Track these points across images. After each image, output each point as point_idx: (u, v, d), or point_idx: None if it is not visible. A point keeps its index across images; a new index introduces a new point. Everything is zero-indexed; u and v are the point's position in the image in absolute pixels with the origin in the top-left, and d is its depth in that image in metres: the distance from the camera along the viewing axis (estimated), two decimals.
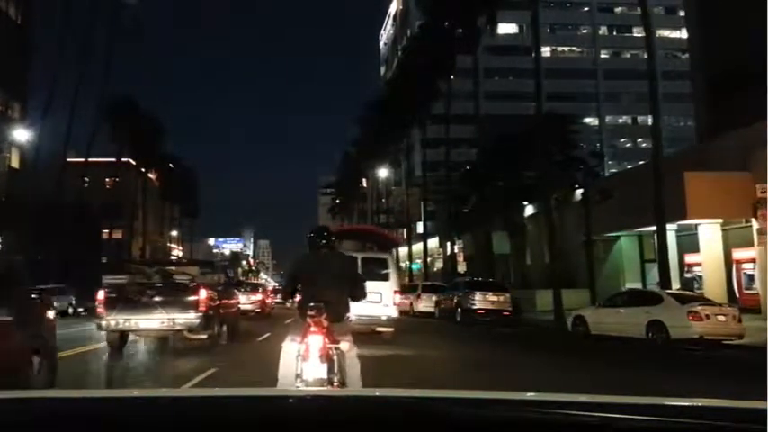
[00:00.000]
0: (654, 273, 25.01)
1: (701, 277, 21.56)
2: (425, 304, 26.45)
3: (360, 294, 5.49)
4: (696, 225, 21.12)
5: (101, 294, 11.33)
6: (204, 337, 11.81)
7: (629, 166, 43.07)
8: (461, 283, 22.23)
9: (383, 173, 44.53)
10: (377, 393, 1.69)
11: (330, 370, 4.87)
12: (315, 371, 4.79)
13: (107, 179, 67.11)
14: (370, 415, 1.30)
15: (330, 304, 5.03)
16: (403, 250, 52.48)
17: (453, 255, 34.22)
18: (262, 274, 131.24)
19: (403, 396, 1.53)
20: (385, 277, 13.97)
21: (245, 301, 22.84)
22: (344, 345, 5.03)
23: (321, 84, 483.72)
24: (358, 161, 59.41)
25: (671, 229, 23.39)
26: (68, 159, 61.45)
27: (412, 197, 41.75)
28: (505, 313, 20.77)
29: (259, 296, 26.25)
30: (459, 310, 21.08)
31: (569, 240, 29.61)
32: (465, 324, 20.39)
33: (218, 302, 12.58)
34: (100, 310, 11.24)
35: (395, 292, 14.30)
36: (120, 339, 11.77)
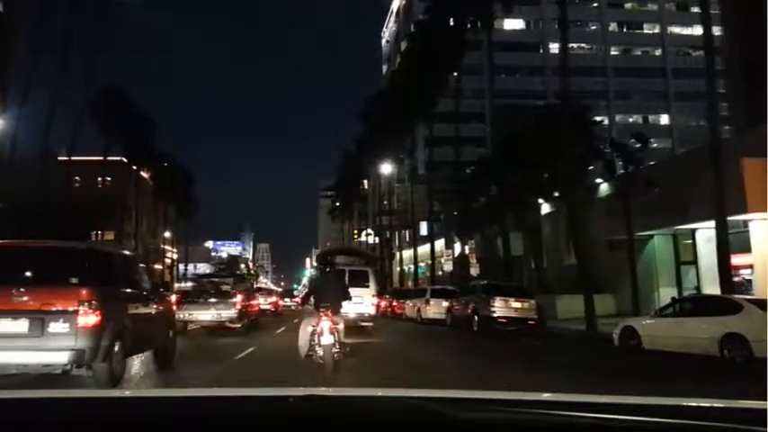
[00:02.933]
0: (691, 276, 22.40)
1: (750, 281, 18.92)
2: (435, 311, 23.84)
3: (347, 297, 9.75)
4: (746, 221, 18.49)
5: (173, 297, 14.07)
6: (239, 326, 16.78)
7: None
8: (478, 288, 19.54)
9: (386, 169, 41.53)
10: (378, 394, 1.72)
11: (334, 339, 8.69)
12: (326, 339, 8.58)
13: (99, 178, 64.96)
14: (370, 415, 1.32)
15: (333, 304, 9.15)
16: (407, 253, 49.90)
17: (464, 256, 31.55)
18: (261, 278, 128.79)
19: (403, 396, 1.55)
20: (366, 285, 17.93)
21: (264, 302, 28.68)
22: (341, 326, 9.13)
23: (322, 87, 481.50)
24: (359, 159, 56.83)
25: (712, 226, 20.78)
26: (59, 158, 59.29)
27: (417, 194, 39.03)
28: (531, 322, 18.07)
29: (274, 298, 33.89)
30: (475, 317, 18.41)
31: (592, 241, 27.02)
32: (484, 334, 17.73)
33: (246, 303, 17.82)
34: (174, 307, 14.06)
35: (373, 295, 18.50)
36: (183, 327, 15.52)
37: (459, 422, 1.28)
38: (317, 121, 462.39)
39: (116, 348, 7.49)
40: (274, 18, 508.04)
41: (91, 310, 7.04)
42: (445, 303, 23.59)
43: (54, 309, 7.02)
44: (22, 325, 6.98)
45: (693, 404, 1.41)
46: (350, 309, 14.44)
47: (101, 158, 53.96)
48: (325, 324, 8.67)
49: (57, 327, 6.97)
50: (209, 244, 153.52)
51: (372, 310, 18.04)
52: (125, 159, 54.49)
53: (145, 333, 8.57)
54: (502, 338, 16.86)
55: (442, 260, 34.21)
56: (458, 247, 38.80)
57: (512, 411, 1.35)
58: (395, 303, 31.24)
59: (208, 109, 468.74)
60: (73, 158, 58.84)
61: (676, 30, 77.06)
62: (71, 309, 7.01)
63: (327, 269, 10.47)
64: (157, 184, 62.92)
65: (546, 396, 1.56)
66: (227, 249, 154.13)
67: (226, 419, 1.30)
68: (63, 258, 7.86)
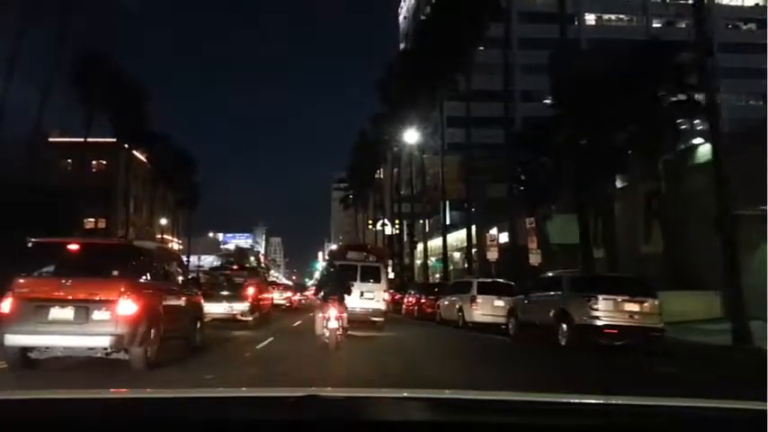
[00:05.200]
0: None
1: None
2: (486, 312, 17.65)
3: (348, 291, 12.03)
4: None
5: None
6: (250, 319, 16.77)
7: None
8: (565, 281, 13.00)
9: (411, 137, 34.37)
10: (378, 394, 1.72)
11: (339, 324, 10.81)
12: (332, 324, 10.62)
13: (93, 162, 60.16)
14: (370, 415, 1.32)
15: (338, 296, 11.33)
16: (432, 243, 43.83)
17: (519, 241, 25.14)
18: (273, 272, 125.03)
19: (403, 397, 1.55)
20: (377, 280, 17.96)
21: (279, 297, 28.43)
22: (344, 314, 11.28)
23: (334, 80, 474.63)
24: (375, 141, 51.12)
25: None
26: (51, 140, 54.08)
27: (449, 167, 32.25)
28: (655, 333, 11.67)
29: (288, 293, 33.46)
30: (563, 326, 12.09)
31: (687, 221, 20.74)
32: (579, 351, 11.42)
33: (259, 297, 18.00)
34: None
35: (384, 291, 18.19)
36: None
37: (459, 423, 1.26)
38: (330, 115, 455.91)
39: (151, 335, 8.14)
40: (279, 17, 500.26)
41: (129, 300, 7.82)
42: (499, 302, 17.41)
43: (97, 298, 7.83)
44: (68, 312, 7.78)
45: (694, 405, 1.39)
46: (361, 304, 16.27)
47: (88, 140, 48.89)
48: (332, 312, 10.86)
49: (99, 314, 7.76)
50: (219, 236, 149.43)
51: (383, 306, 17.94)
52: (114, 139, 48.80)
53: (176, 322, 9.21)
54: (618, 362, 10.59)
55: (473, 249, 27.57)
56: (493, 232, 32.53)
57: (513, 413, 1.34)
58: (423, 301, 25.07)
59: (221, 109, 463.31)
60: (59, 140, 53.83)
61: (723, 0, 70.41)
62: (112, 299, 7.80)
63: (332, 268, 13.14)
64: (155, 168, 57.20)
65: (547, 398, 1.56)
66: (237, 242, 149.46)
67: (227, 421, 1.29)
68: (106, 253, 8.88)
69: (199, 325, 10.57)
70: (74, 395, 1.66)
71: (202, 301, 11.40)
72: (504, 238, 31.60)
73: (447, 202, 35.05)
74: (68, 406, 1.43)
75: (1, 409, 1.41)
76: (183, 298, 9.80)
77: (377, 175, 59.82)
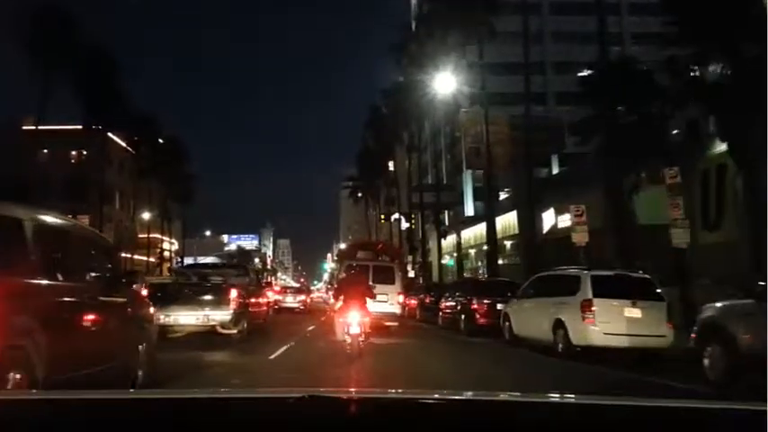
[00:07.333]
0: None
1: None
2: (612, 329, 10.12)
3: (370, 294, 11.56)
4: None
5: (144, 293, 11.43)
6: (235, 332, 13.18)
7: None
8: None
9: (446, 84, 25.68)
10: (377, 395, 1.69)
11: (360, 330, 10.64)
12: (354, 329, 10.51)
13: (73, 152, 54.75)
14: (369, 415, 1.30)
15: (359, 300, 11.04)
16: (473, 231, 36.78)
17: (615, 214, 17.42)
18: (280, 275, 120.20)
19: (402, 398, 1.55)
20: (391, 281, 17.61)
21: (292, 300, 31.33)
22: (366, 319, 11.01)
23: (342, 79, 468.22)
24: (389, 116, 44.32)
25: None
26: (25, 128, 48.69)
27: (495, 127, 24.09)
28: None
29: (303, 297, 33.19)
30: None
31: None
32: None
33: (247, 301, 14.30)
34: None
35: (398, 293, 18.03)
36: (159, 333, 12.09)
37: (458, 423, 1.26)
38: (338, 115, 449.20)
39: (8, 381, 4.16)
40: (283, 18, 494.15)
41: None
42: (635, 311, 10.02)
43: None
44: None
45: (694, 405, 1.39)
46: (373, 308, 14.84)
47: (65, 128, 42.86)
48: (354, 318, 10.63)
49: None
50: (224, 237, 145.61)
51: (398, 310, 17.75)
52: (82, 125, 41.94)
53: (83, 350, 5.18)
54: None
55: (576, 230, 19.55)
56: (550, 214, 25.18)
57: (514, 414, 1.34)
58: (475, 307, 17.65)
59: (224, 113, 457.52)
60: (32, 128, 47.68)
61: None
62: None
63: (353, 270, 14.26)
64: (138, 156, 50.27)
65: (548, 398, 1.56)
66: (242, 243, 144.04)
67: (226, 421, 1.27)
68: None
69: (142, 348, 6.77)
70: (73, 395, 1.63)
71: (151, 309, 7.88)
72: (565, 221, 24.42)
73: (502, 167, 27.29)
74: (68, 406, 1.40)
75: (1, 409, 1.39)
76: (107, 308, 5.89)
77: (392, 159, 53.04)
